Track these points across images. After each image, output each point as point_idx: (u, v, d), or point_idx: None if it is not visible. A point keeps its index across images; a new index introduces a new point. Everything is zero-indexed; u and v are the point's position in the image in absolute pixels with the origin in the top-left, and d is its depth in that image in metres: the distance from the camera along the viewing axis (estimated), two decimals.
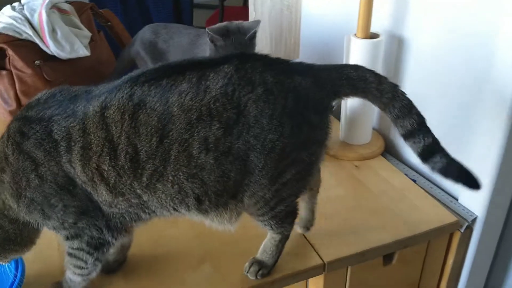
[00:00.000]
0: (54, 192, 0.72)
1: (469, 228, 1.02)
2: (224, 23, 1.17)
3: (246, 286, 0.85)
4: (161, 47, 1.29)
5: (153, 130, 0.69)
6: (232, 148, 0.70)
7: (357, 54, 1.12)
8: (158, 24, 1.35)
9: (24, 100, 1.29)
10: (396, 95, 0.79)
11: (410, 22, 1.11)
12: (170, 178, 0.71)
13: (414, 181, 1.12)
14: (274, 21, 1.55)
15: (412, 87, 1.15)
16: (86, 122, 0.70)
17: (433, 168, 0.79)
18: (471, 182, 0.79)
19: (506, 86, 0.89)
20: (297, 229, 0.94)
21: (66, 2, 1.39)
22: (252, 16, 1.62)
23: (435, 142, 0.79)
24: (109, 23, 1.55)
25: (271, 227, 0.83)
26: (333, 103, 1.21)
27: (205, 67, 0.71)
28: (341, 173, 1.16)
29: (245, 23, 1.16)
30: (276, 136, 0.71)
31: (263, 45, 1.56)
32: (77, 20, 1.36)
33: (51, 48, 1.27)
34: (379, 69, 1.15)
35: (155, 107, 0.69)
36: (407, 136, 0.79)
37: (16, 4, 1.32)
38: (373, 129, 1.25)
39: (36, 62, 1.27)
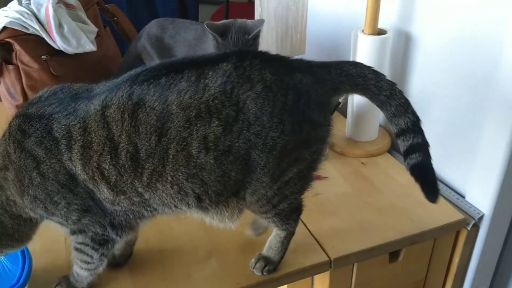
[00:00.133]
0: (56, 190, 0.72)
1: (476, 226, 1.02)
2: (225, 21, 1.15)
3: (252, 282, 0.86)
4: (167, 42, 1.28)
5: (152, 128, 0.69)
6: (233, 147, 0.70)
7: (364, 50, 1.12)
8: (165, 19, 1.34)
9: (30, 95, 1.29)
10: (393, 93, 0.79)
11: (418, 19, 1.10)
12: (169, 178, 0.71)
13: None
14: (280, 17, 1.54)
15: (419, 84, 1.14)
16: (87, 121, 0.70)
17: (407, 164, 0.81)
18: (430, 191, 0.81)
19: None
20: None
21: None
22: (258, 12, 1.61)
23: (424, 144, 0.80)
24: (115, 18, 1.55)
25: (276, 224, 0.83)
26: (341, 100, 1.22)
27: (204, 65, 0.71)
28: (347, 170, 1.15)
29: (249, 21, 1.15)
30: (277, 134, 0.71)
31: (268, 42, 1.55)
32: (83, 15, 1.36)
33: (58, 43, 1.27)
34: (386, 66, 1.15)
35: (154, 105, 0.69)
36: (399, 135, 0.81)
37: None
38: (380, 126, 1.25)
39: (42, 56, 1.27)
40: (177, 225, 0.97)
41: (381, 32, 1.12)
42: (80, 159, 0.70)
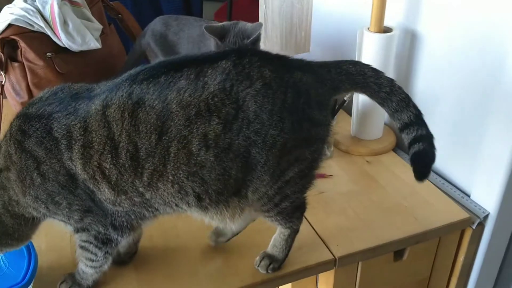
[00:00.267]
0: (57, 191, 0.73)
1: (481, 225, 1.01)
2: (225, 23, 1.14)
3: (257, 280, 0.86)
4: (171, 39, 1.28)
5: (152, 127, 0.69)
6: (233, 144, 0.70)
7: (370, 48, 1.11)
8: (170, 16, 1.34)
9: (35, 92, 1.29)
10: (393, 89, 0.80)
11: (424, 17, 1.09)
12: (170, 177, 0.71)
13: None
14: (285, 15, 1.54)
15: (425, 83, 1.14)
16: (88, 121, 0.70)
17: (410, 154, 0.81)
18: (421, 171, 0.82)
19: None
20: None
21: None
22: (262, 10, 1.61)
23: (428, 135, 0.80)
24: (120, 15, 1.55)
25: (279, 222, 0.83)
26: (346, 98, 1.22)
27: (203, 63, 0.71)
28: (352, 168, 1.15)
29: (248, 25, 1.13)
30: (277, 132, 0.71)
31: (273, 40, 1.55)
32: (88, 13, 1.36)
33: (63, 40, 1.27)
34: (392, 64, 1.14)
35: (154, 104, 0.69)
36: (403, 128, 0.81)
37: None
38: (385, 124, 1.24)
39: (48, 54, 1.27)
40: (181, 223, 0.97)
41: (387, 30, 1.12)
42: (80, 159, 0.70)
